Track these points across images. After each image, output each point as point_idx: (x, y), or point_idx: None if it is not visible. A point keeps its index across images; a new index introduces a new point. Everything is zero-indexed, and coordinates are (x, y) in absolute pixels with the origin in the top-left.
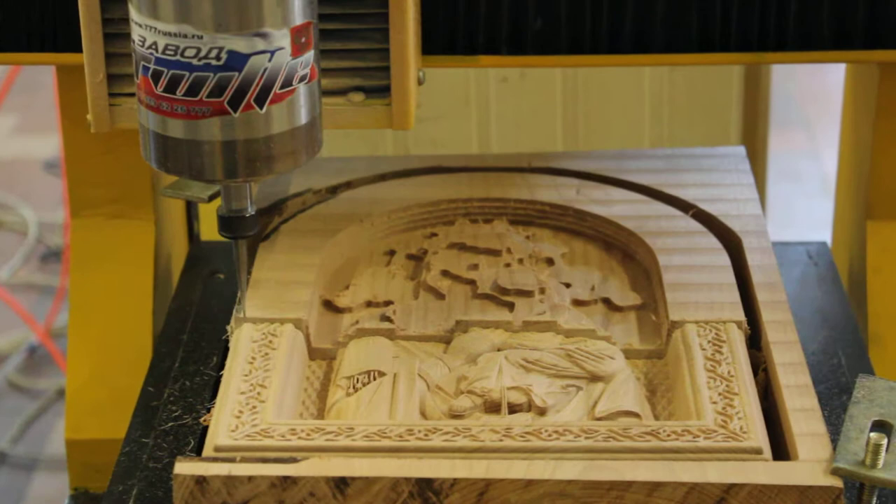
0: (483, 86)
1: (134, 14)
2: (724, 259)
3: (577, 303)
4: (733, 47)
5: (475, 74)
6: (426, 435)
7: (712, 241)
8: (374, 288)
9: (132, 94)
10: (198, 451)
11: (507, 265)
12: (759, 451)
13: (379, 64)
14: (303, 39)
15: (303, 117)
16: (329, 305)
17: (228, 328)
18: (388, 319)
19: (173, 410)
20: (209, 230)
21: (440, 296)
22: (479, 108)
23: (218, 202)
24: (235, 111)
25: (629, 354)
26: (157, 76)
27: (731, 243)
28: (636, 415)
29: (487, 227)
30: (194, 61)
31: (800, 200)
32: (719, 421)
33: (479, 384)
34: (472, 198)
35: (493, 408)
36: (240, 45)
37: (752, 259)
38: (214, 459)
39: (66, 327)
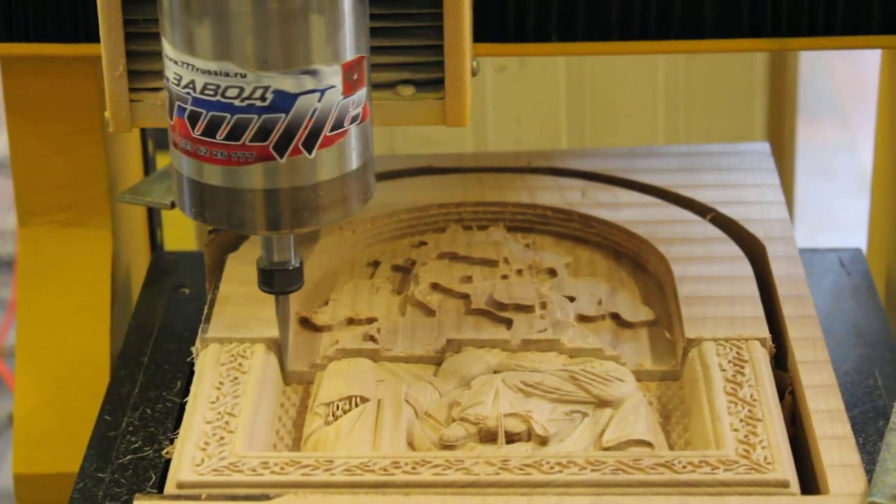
0: (478, 76)
1: (168, 49)
2: (747, 269)
3: (583, 318)
4: (785, 31)
5: None
6: (414, 468)
7: (733, 249)
8: (355, 303)
9: (156, 90)
10: (159, 487)
11: (505, 277)
12: (785, 485)
13: (431, 53)
14: (355, 76)
15: (354, 162)
16: (306, 323)
17: (194, 349)
18: (372, 339)
19: (132, 441)
20: (172, 239)
21: (430, 312)
22: (474, 101)
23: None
24: (282, 156)
25: (640, 376)
26: (194, 118)
27: (754, 251)
28: (648, 444)
29: (482, 234)
30: (236, 102)
31: (833, 201)
32: (741, 450)
33: (474, 411)
34: (466, 202)
35: (488, 437)
36: (287, 83)
37: (778, 268)
38: (177, 497)
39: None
